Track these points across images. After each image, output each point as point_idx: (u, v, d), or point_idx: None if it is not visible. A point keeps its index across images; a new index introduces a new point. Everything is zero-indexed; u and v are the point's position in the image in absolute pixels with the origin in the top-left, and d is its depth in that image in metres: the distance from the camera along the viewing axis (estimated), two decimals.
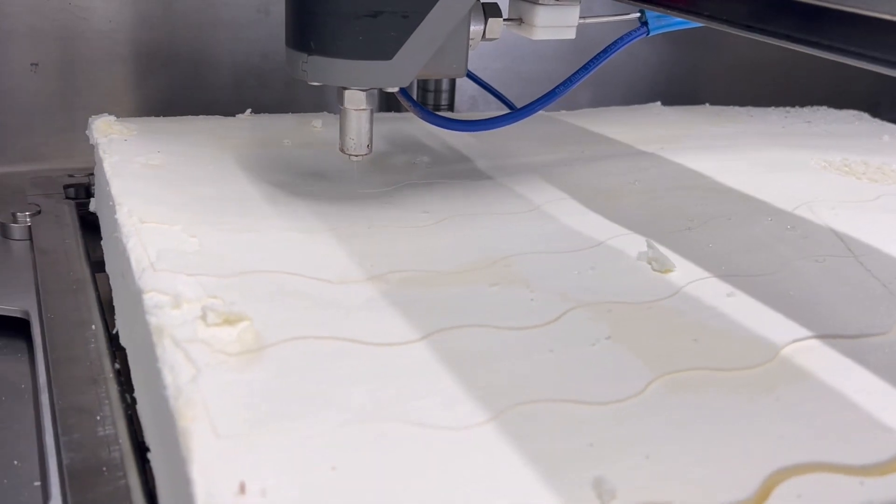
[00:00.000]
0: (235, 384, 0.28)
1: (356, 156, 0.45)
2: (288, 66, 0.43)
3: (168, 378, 0.28)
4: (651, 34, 0.48)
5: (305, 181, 0.48)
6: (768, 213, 0.47)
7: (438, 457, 0.26)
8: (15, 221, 0.53)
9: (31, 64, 0.63)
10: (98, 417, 0.35)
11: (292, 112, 0.61)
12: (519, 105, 0.50)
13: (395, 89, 0.44)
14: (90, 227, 0.54)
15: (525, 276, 0.39)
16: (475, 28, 0.44)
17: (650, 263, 0.40)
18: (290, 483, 0.24)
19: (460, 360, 0.32)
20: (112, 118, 0.53)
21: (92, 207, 0.53)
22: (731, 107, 0.75)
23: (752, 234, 0.44)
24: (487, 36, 0.44)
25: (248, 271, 0.36)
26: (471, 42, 0.44)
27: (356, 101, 0.43)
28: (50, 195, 0.57)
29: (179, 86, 0.68)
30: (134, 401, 0.36)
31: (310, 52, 0.41)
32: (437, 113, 0.49)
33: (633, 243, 0.42)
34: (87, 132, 0.53)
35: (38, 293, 0.46)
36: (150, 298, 0.32)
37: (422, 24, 0.41)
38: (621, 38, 0.48)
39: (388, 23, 0.40)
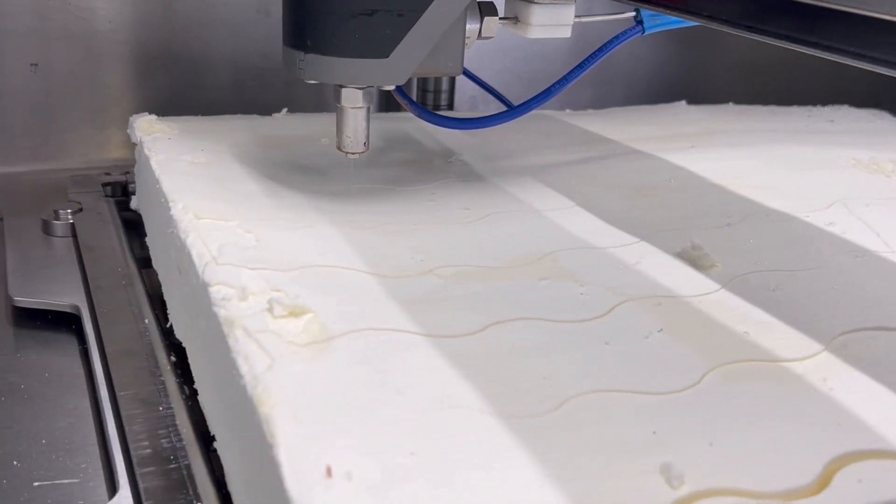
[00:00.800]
0: (308, 373, 0.29)
1: (353, 153, 0.45)
2: (285, 64, 0.43)
3: (244, 367, 0.29)
4: (646, 33, 0.48)
5: (347, 178, 0.49)
6: (804, 210, 0.48)
7: (510, 443, 0.27)
8: (57, 218, 0.54)
9: (31, 64, 0.64)
10: (160, 408, 0.36)
11: (291, 111, 0.61)
12: (517, 103, 0.49)
13: (392, 87, 0.44)
14: (129, 224, 0.54)
15: (572, 271, 0.40)
16: (471, 26, 0.44)
17: (693, 259, 0.41)
18: (371, 467, 0.25)
19: (520, 351, 0.33)
20: (153, 117, 0.54)
21: (133, 205, 0.54)
22: (755, 105, 0.76)
23: (791, 230, 0.45)
24: (483, 34, 0.45)
25: (305, 265, 0.37)
26: (467, 40, 0.44)
27: (353, 99, 0.43)
28: (89, 192, 0.58)
29: (179, 86, 0.69)
30: (193, 392, 0.37)
31: (306, 50, 0.41)
32: (434, 112, 0.49)
33: (674, 239, 0.43)
34: (128, 131, 0.54)
35: (86, 289, 0.47)
36: (216, 291, 0.33)
37: (418, 22, 0.41)
38: (617, 37, 0.48)
39: (384, 21, 0.40)
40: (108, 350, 0.40)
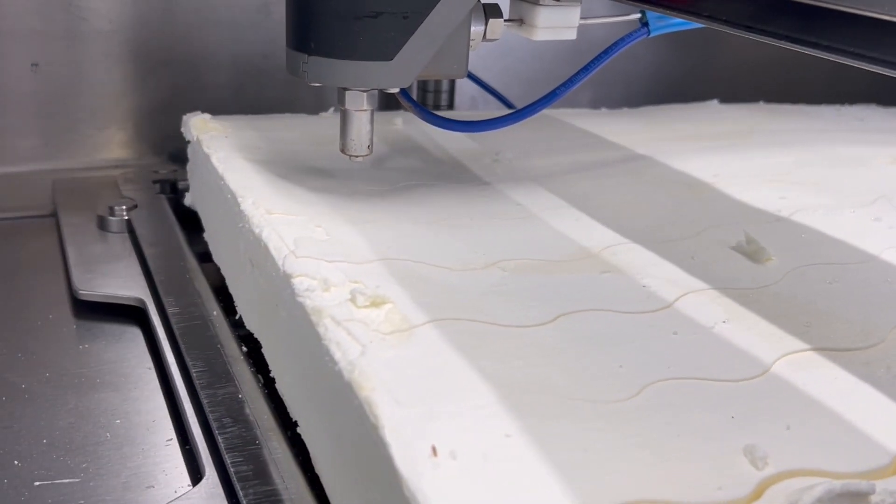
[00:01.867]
0: (398, 359, 0.30)
1: (356, 156, 0.45)
2: (288, 66, 0.43)
3: (337, 354, 0.30)
4: (652, 35, 0.48)
5: (400, 176, 0.50)
6: (849, 206, 0.49)
7: (599, 425, 0.28)
8: (112, 215, 0.55)
9: (32, 64, 0.64)
10: (239, 396, 0.37)
11: (290, 112, 0.61)
12: (519, 105, 0.50)
13: (396, 90, 0.44)
14: (183, 219, 0.56)
15: (632, 265, 0.41)
16: (476, 29, 0.43)
17: (749, 253, 0.42)
18: (472, 447, 0.26)
19: (591, 340, 0.34)
20: (207, 116, 0.55)
21: (187, 202, 0.55)
22: (784, 104, 0.77)
23: (839, 225, 0.46)
24: (488, 37, 0.44)
25: (376, 259, 0.38)
26: (471, 43, 0.44)
27: (357, 102, 0.43)
28: (140, 189, 0.59)
29: (180, 86, 0.69)
30: (267, 380, 0.38)
31: (310, 52, 0.41)
32: (438, 113, 0.48)
33: (727, 234, 0.44)
34: (181, 129, 0.55)
35: (148, 282, 0.48)
36: (300, 283, 0.34)
37: (422, 24, 0.41)
38: (622, 39, 0.48)
39: (389, 23, 0.40)
40: (180, 341, 0.41)
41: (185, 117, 0.55)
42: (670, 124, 0.65)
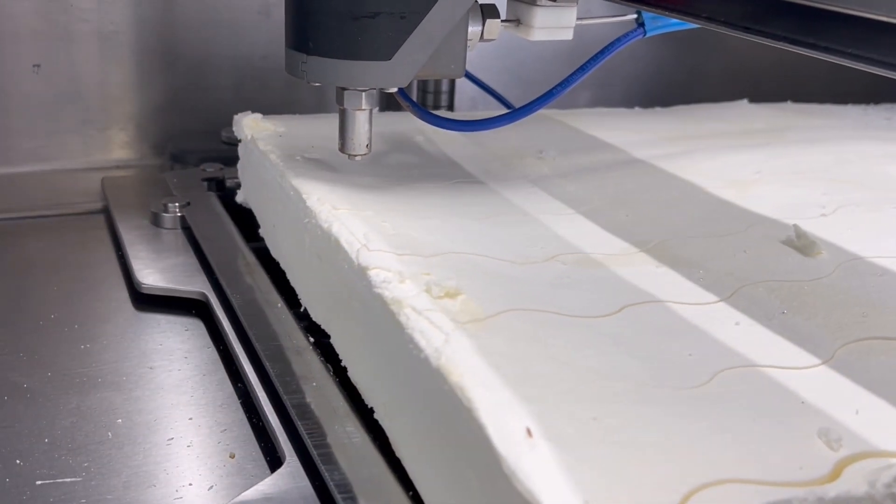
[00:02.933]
0: (480, 347, 0.31)
1: (355, 155, 0.45)
2: (287, 66, 0.44)
3: (422, 342, 0.31)
4: (648, 35, 0.49)
5: (452, 174, 0.51)
6: (890, 202, 0.50)
7: (678, 410, 0.29)
8: (166, 211, 0.56)
9: (34, 65, 0.65)
10: (314, 384, 0.39)
11: (292, 111, 0.61)
12: (518, 105, 0.50)
13: (394, 90, 0.44)
14: (235, 216, 0.57)
15: (687, 258, 0.42)
16: (473, 29, 0.44)
17: (799, 247, 0.43)
18: (562, 430, 0.27)
19: (658, 331, 0.35)
20: (258, 115, 0.56)
21: (239, 199, 0.57)
22: (812, 104, 0.78)
23: (883, 220, 0.48)
24: (485, 37, 0.45)
25: (442, 252, 0.39)
26: (469, 43, 0.44)
27: (355, 102, 0.43)
28: (191, 187, 0.60)
29: (181, 87, 0.70)
30: (337, 369, 0.40)
31: (309, 52, 0.42)
32: (435, 113, 0.49)
33: (775, 229, 0.45)
34: (233, 128, 0.56)
35: (210, 276, 0.49)
36: (376, 275, 0.36)
37: (420, 25, 0.41)
38: (618, 40, 0.48)
39: (387, 24, 0.41)
40: (249, 332, 0.43)
41: (236, 117, 0.56)
42: (705, 123, 0.66)
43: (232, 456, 0.37)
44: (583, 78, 0.48)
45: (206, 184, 0.61)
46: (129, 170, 0.70)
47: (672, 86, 0.90)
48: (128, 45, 0.68)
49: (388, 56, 0.42)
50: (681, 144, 0.59)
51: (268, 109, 0.57)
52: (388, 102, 0.74)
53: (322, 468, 0.33)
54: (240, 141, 0.56)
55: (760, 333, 0.35)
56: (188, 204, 0.57)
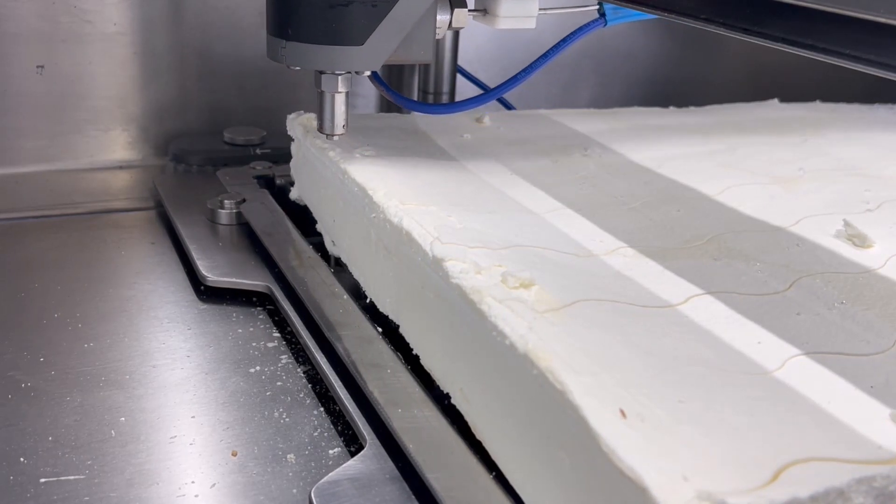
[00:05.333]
0: (560, 334, 0.33)
1: (332, 136, 0.49)
2: (268, 51, 0.47)
3: (506, 329, 0.33)
4: (608, 25, 0.52)
5: (504, 170, 0.53)
6: None
7: (753, 395, 0.31)
8: (222, 208, 0.57)
9: (37, 66, 0.66)
10: (388, 370, 0.40)
11: (293, 112, 0.61)
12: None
13: (368, 73, 0.48)
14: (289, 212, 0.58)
15: (743, 251, 0.43)
16: (442, 17, 0.48)
17: (850, 240, 0.45)
18: (652, 411, 0.29)
19: (725, 320, 0.36)
20: (311, 115, 0.57)
21: (293, 196, 0.58)
22: (840, 103, 0.80)
23: None
24: (454, 25, 0.48)
25: (509, 245, 0.41)
26: (438, 31, 0.48)
27: (332, 85, 0.47)
28: (244, 185, 0.61)
29: (183, 88, 0.71)
30: (408, 358, 0.41)
31: (288, 38, 0.45)
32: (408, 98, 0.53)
33: (824, 223, 0.47)
34: (287, 127, 0.58)
35: (272, 270, 0.51)
36: (453, 266, 0.37)
37: (390, 13, 0.45)
38: (580, 29, 0.51)
39: (360, 11, 0.44)
40: (320, 323, 0.44)
41: (290, 116, 0.57)
42: (740, 122, 0.67)
43: (234, 454, 0.38)
44: (545, 64, 0.52)
45: (256, 181, 0.62)
46: (130, 170, 0.70)
47: (672, 86, 0.91)
48: (130, 46, 0.69)
49: (360, 41, 0.45)
50: (721, 142, 0.61)
51: (269, 110, 0.58)
52: (388, 107, 0.75)
53: (407, 449, 0.35)
54: (263, 142, 0.57)
55: (822, 322, 0.37)
56: (244, 200, 0.58)
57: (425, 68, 0.70)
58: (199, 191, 0.62)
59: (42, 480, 0.35)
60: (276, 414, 0.40)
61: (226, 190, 0.60)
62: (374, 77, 0.50)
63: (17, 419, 0.39)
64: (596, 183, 0.52)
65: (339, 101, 0.48)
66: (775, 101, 0.77)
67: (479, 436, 0.35)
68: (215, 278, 0.50)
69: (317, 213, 0.54)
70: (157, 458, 0.37)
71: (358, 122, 0.58)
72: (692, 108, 0.73)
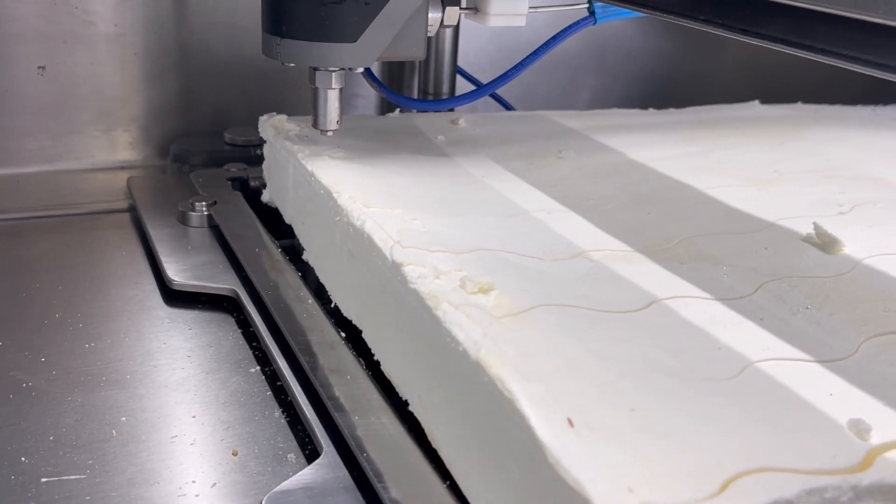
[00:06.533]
0: (516, 340, 0.32)
1: (326, 131, 0.50)
2: (264, 48, 0.48)
3: (460, 335, 0.32)
4: (598, 23, 0.52)
5: (475, 173, 0.52)
6: None
7: (714, 401, 0.30)
8: (194, 210, 0.57)
9: (39, 67, 0.66)
10: (348, 377, 0.39)
11: (290, 114, 0.61)
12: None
13: (361, 69, 0.49)
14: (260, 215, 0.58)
15: (711, 255, 0.43)
16: (434, 15, 0.48)
17: (820, 244, 0.44)
18: (602, 420, 0.28)
19: (686, 325, 0.36)
20: (284, 116, 0.57)
21: (265, 198, 0.58)
22: (823, 105, 0.79)
23: None
24: (445, 23, 0.49)
25: (472, 249, 0.40)
26: (430, 28, 0.48)
27: (326, 81, 0.48)
28: (216, 187, 0.61)
29: (184, 88, 0.71)
30: (369, 363, 0.40)
31: (282, 35, 0.46)
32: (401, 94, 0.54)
33: (795, 226, 0.46)
34: (259, 130, 0.57)
35: (238, 273, 0.50)
36: (411, 271, 0.36)
37: (383, 10, 0.46)
38: (569, 27, 0.52)
39: (352, 9, 0.45)
40: (282, 327, 0.43)
41: (262, 118, 0.57)
42: (719, 123, 0.67)
43: (235, 453, 0.38)
44: (535, 62, 0.54)
45: (230, 183, 0.62)
46: (131, 171, 0.70)
47: (671, 86, 0.91)
48: (132, 46, 0.68)
49: (353, 38, 0.46)
50: (698, 144, 0.60)
51: (269, 110, 0.58)
52: (388, 108, 0.75)
53: (361, 458, 0.34)
54: (264, 142, 0.57)
55: (786, 328, 0.36)
56: (215, 203, 0.57)
57: (425, 69, 0.70)
58: (174, 192, 0.61)
59: (43, 480, 0.35)
60: (277, 414, 0.40)
61: (198, 192, 0.60)
62: (367, 73, 0.50)
63: (18, 419, 0.39)
64: (568, 185, 0.52)
65: (333, 97, 0.49)
66: (756, 102, 0.76)
67: (435, 444, 0.35)
68: (181, 281, 0.49)
69: (286, 215, 0.54)
70: (158, 457, 0.37)
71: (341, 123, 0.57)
72: (671, 110, 0.73)
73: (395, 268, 0.37)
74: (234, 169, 0.63)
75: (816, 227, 0.45)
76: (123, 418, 0.39)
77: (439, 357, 0.34)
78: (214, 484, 0.36)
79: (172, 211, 0.58)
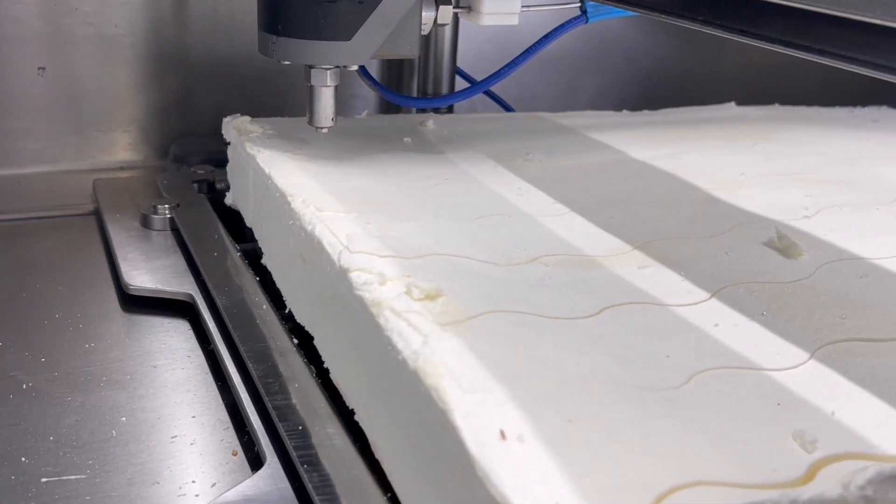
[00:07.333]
0: (459, 348, 0.32)
1: (321, 128, 0.50)
2: (260, 46, 0.48)
3: (400, 343, 0.31)
4: (590, 22, 0.53)
5: (438, 175, 0.52)
6: (874, 203, 0.51)
7: (654, 411, 0.30)
8: (156, 213, 0.56)
9: (39, 68, 0.66)
10: (296, 385, 0.39)
11: (290, 115, 0.61)
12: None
13: (355, 67, 0.49)
14: (224, 217, 0.57)
15: (669, 259, 0.42)
16: (428, 14, 0.49)
17: (781, 248, 0.43)
18: (537, 432, 0.28)
19: (637, 332, 0.35)
20: (247, 118, 0.56)
21: (228, 201, 0.57)
22: (800, 106, 0.78)
23: (865, 221, 0.48)
24: (439, 21, 0.50)
25: (425, 254, 0.40)
26: (424, 27, 0.49)
27: (321, 79, 0.48)
28: (181, 189, 0.60)
29: (184, 89, 0.71)
30: (320, 371, 0.40)
31: (278, 33, 0.46)
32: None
33: (757, 230, 0.46)
34: (222, 131, 0.57)
35: (196, 278, 0.49)
36: (357, 276, 0.36)
37: (377, 9, 0.46)
38: (561, 26, 0.53)
39: (346, 7, 0.46)
40: (233, 333, 0.43)
41: (225, 120, 0.56)
42: (692, 125, 0.66)
43: (234, 453, 0.38)
44: (528, 60, 0.55)
45: (196, 185, 0.61)
46: (131, 171, 0.70)
47: (670, 87, 0.90)
48: (131, 47, 0.68)
49: (348, 37, 0.46)
50: (668, 146, 0.60)
51: (269, 111, 0.58)
52: (386, 108, 0.75)
53: (301, 469, 0.33)
54: (228, 143, 0.56)
55: (739, 335, 0.36)
56: (178, 206, 0.57)
57: (424, 69, 0.70)
58: (140, 195, 0.61)
59: (43, 480, 0.35)
60: None
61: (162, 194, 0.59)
62: (363, 72, 0.51)
63: (18, 419, 0.39)
64: (533, 188, 0.51)
65: (328, 94, 0.49)
66: (732, 103, 0.76)
67: (377, 455, 0.34)
68: (137, 286, 0.48)
69: (247, 218, 0.53)
70: (158, 457, 0.37)
71: (295, 126, 0.57)
72: (645, 112, 0.72)
73: (342, 273, 0.37)
74: (202, 171, 0.62)
75: (778, 231, 0.44)
76: (123, 418, 0.39)
77: (381, 366, 0.33)
78: (214, 484, 0.36)
79: (136, 214, 0.57)
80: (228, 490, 0.34)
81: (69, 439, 0.38)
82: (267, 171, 0.48)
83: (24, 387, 0.41)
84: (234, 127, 0.55)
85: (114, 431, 0.38)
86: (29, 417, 0.39)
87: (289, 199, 0.44)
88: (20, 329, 0.46)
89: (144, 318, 0.48)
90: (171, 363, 0.44)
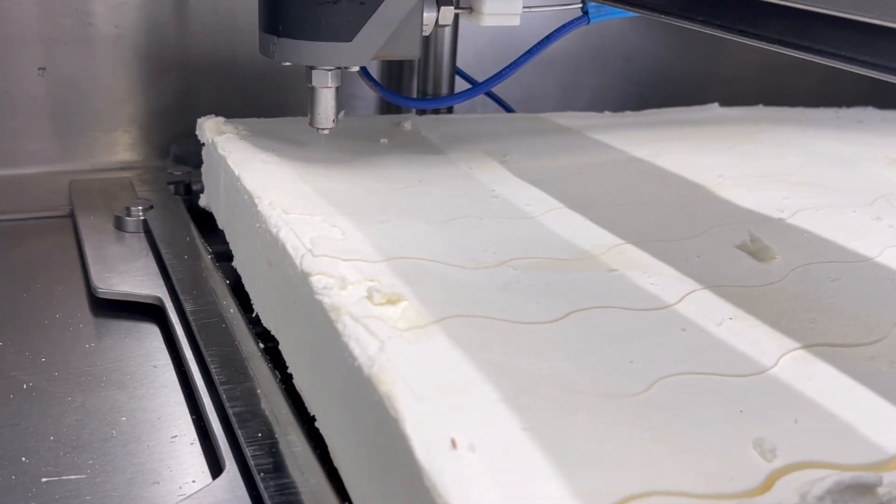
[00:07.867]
0: (416, 355, 0.31)
1: (323, 129, 0.50)
2: (261, 47, 0.48)
3: (356, 349, 0.31)
4: (591, 23, 0.53)
5: (411, 176, 0.51)
6: (850, 205, 0.50)
7: (613, 419, 0.29)
8: (129, 215, 0.56)
9: (39, 68, 0.65)
10: (258, 391, 0.38)
11: (290, 115, 0.62)
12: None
13: (356, 68, 0.49)
14: (198, 219, 0.56)
15: (640, 263, 0.42)
16: (429, 15, 0.49)
17: (754, 251, 0.43)
18: (490, 441, 0.27)
19: (602, 337, 0.35)
20: (221, 119, 0.56)
21: (202, 203, 0.56)
22: (784, 107, 0.78)
23: (841, 224, 0.47)
24: (440, 23, 0.50)
25: (391, 257, 0.39)
26: (425, 28, 0.49)
27: (322, 80, 0.48)
28: (156, 190, 0.60)
29: (184, 89, 0.71)
30: (284, 376, 0.39)
31: (279, 34, 0.46)
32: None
33: (731, 233, 0.45)
34: (196, 132, 0.56)
35: (166, 281, 0.49)
36: (317, 281, 0.35)
37: (378, 10, 0.46)
38: (563, 27, 0.53)
39: (348, 8, 0.45)
40: (198, 338, 0.42)
41: (199, 120, 0.56)
42: (674, 127, 0.66)
43: None
44: (530, 61, 0.54)
45: (172, 187, 0.61)
46: (132, 172, 0.69)
47: (669, 87, 0.90)
48: (132, 48, 0.68)
49: (349, 38, 0.46)
50: (648, 147, 0.59)
51: (269, 112, 0.58)
52: (386, 108, 0.75)
53: (258, 479, 0.33)
54: (203, 144, 0.56)
55: (705, 340, 0.35)
56: (151, 207, 0.56)
57: (425, 70, 0.70)
58: (115, 196, 0.60)
59: (44, 480, 0.35)
60: None
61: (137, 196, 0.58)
62: (364, 73, 0.51)
63: (18, 419, 0.39)
64: (508, 191, 0.50)
65: (329, 95, 0.49)
66: (715, 104, 0.75)
67: (336, 462, 0.33)
68: (106, 289, 0.48)
69: (219, 220, 0.53)
70: (159, 457, 0.37)
71: (271, 127, 0.56)
72: (627, 112, 0.72)
73: (304, 277, 0.36)
74: (178, 172, 0.62)
75: (751, 234, 0.44)
76: (123, 418, 0.39)
77: (338, 372, 0.32)
78: None
79: (110, 216, 0.57)
80: (185, 499, 0.33)
81: (69, 439, 0.38)
82: (237, 172, 0.47)
83: (25, 387, 0.41)
84: (208, 128, 0.54)
85: (114, 431, 0.38)
86: (29, 417, 0.39)
87: (256, 201, 0.43)
88: (20, 329, 0.46)
89: (114, 321, 0.47)
90: (171, 363, 0.44)
